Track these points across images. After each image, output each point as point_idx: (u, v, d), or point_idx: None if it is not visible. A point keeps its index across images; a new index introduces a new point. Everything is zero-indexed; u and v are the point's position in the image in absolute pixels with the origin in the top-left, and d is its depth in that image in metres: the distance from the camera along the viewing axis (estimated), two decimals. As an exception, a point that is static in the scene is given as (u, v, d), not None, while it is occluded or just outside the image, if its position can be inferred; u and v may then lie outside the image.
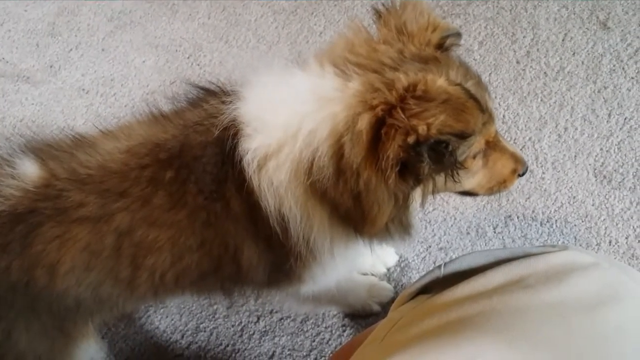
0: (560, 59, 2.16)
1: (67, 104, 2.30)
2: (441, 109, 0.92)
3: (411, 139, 0.93)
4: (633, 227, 1.78)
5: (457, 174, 1.06)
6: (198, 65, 2.37)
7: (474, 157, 1.11)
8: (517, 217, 1.83)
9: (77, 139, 1.20)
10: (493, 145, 1.16)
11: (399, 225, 1.11)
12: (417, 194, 1.09)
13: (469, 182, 1.18)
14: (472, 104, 0.96)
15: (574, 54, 2.17)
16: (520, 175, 1.23)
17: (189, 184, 1.10)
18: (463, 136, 0.97)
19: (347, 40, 1.13)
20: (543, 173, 1.90)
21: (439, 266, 0.96)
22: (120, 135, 1.17)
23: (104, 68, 2.40)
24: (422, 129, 0.91)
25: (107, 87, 2.34)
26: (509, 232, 1.81)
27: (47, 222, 1.10)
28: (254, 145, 1.05)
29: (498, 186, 1.23)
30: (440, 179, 1.07)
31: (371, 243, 1.18)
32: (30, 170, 1.13)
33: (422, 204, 1.12)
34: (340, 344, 1.67)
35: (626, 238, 1.77)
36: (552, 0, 2.33)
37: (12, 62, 2.45)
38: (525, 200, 1.86)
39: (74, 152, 1.15)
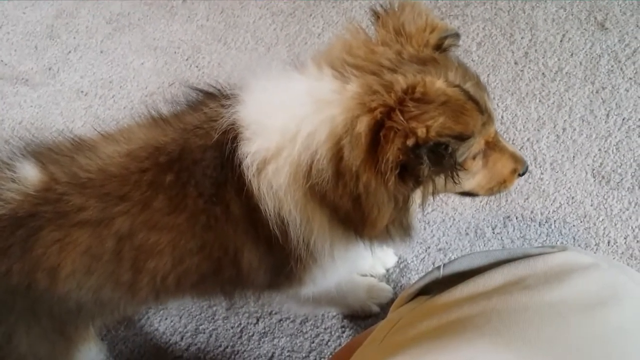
0: (559, 59, 2.16)
1: (65, 106, 2.30)
2: (440, 111, 0.92)
3: (410, 142, 0.93)
4: (631, 227, 1.79)
5: (457, 175, 1.06)
6: (197, 67, 2.37)
7: (474, 158, 1.11)
8: (516, 218, 1.84)
9: (77, 143, 1.20)
10: (493, 146, 1.16)
11: (399, 227, 1.11)
12: (417, 195, 1.09)
13: (469, 182, 1.18)
14: (471, 105, 0.96)
15: (572, 54, 2.17)
16: (520, 175, 1.23)
17: (189, 188, 1.10)
18: (462, 138, 0.97)
19: (345, 42, 1.13)
20: (542, 174, 1.91)
21: (438, 267, 0.96)
22: (120, 138, 1.17)
23: (103, 70, 2.40)
24: (421, 131, 0.91)
25: (105, 89, 2.34)
26: (508, 232, 1.82)
27: (47, 226, 1.10)
28: (253, 149, 1.05)
29: (498, 186, 1.22)
30: (440, 180, 1.07)
31: (371, 245, 1.17)
32: (30, 173, 1.13)
33: (422, 206, 1.13)
34: (340, 345, 1.67)
35: (625, 238, 1.77)
36: (550, 1, 2.33)
37: (10, 64, 2.45)
38: (524, 201, 1.86)
39: (74, 155, 1.15)
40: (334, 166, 1.00)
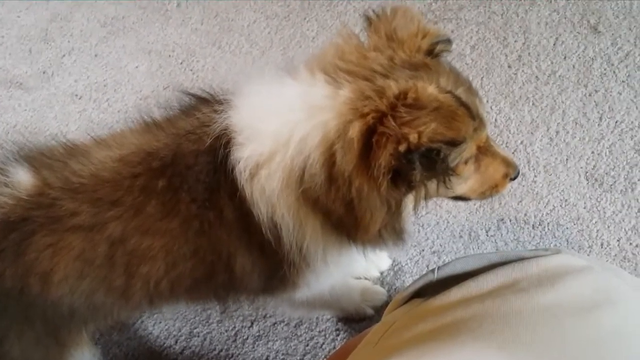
0: (552, 63, 2.17)
1: (60, 109, 2.30)
2: (432, 117, 0.92)
3: (402, 147, 0.93)
4: (624, 229, 1.79)
5: (449, 180, 1.06)
6: (191, 70, 2.37)
7: (466, 162, 1.12)
8: (510, 221, 1.84)
9: (70, 148, 1.20)
10: (484, 150, 1.16)
11: (392, 232, 1.11)
12: (409, 200, 1.09)
13: (461, 187, 1.18)
14: (463, 111, 0.97)
15: (565, 58, 2.18)
16: (512, 179, 1.24)
17: (181, 193, 1.10)
18: (454, 143, 0.97)
19: (338, 47, 1.13)
20: (535, 176, 1.91)
21: (433, 270, 0.97)
22: (113, 143, 1.17)
23: (97, 74, 2.40)
24: (413, 137, 0.92)
25: (100, 93, 2.33)
26: (502, 235, 1.82)
27: (40, 231, 1.10)
28: (246, 154, 1.05)
29: (490, 190, 1.23)
30: (432, 185, 1.08)
31: (365, 249, 1.18)
32: (24, 178, 1.13)
33: (415, 210, 1.13)
34: (334, 348, 1.67)
35: (618, 240, 1.78)
36: (543, 5, 2.34)
37: (5, 68, 2.45)
38: (518, 204, 1.87)
39: (67, 161, 1.15)
40: (327, 171, 1.00)
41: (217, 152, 1.07)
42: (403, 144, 0.93)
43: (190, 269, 1.16)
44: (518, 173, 1.24)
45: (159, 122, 1.19)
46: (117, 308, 1.27)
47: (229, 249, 1.14)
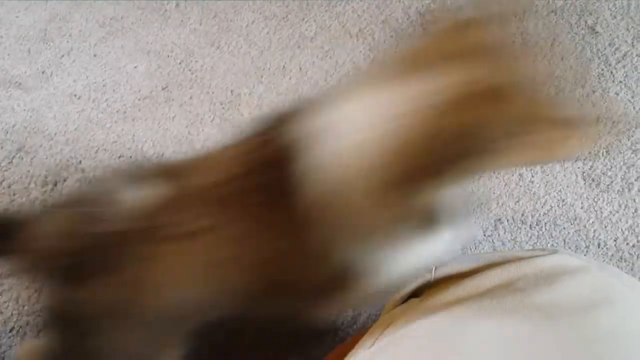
0: (549, 63, 2.18)
1: (59, 109, 2.29)
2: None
3: None
4: (621, 229, 1.80)
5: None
6: (190, 70, 2.37)
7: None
8: (507, 221, 1.85)
9: (170, 169, 1.22)
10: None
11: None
12: None
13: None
14: None
15: (562, 58, 2.19)
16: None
17: (273, 204, 1.11)
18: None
19: None
20: (532, 176, 1.92)
21: (430, 270, 0.97)
22: (214, 165, 1.19)
23: (96, 74, 2.40)
24: None
25: (99, 93, 2.33)
26: (499, 235, 1.83)
27: (142, 243, 1.12)
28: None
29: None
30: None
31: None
32: (134, 196, 1.14)
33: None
34: (331, 348, 1.67)
35: (614, 240, 1.78)
36: (541, 5, 2.35)
37: (3, 68, 2.45)
38: (515, 204, 1.88)
39: (169, 181, 1.17)
40: None
41: None
42: None
43: (278, 270, 1.18)
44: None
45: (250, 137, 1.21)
46: (213, 312, 1.28)
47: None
